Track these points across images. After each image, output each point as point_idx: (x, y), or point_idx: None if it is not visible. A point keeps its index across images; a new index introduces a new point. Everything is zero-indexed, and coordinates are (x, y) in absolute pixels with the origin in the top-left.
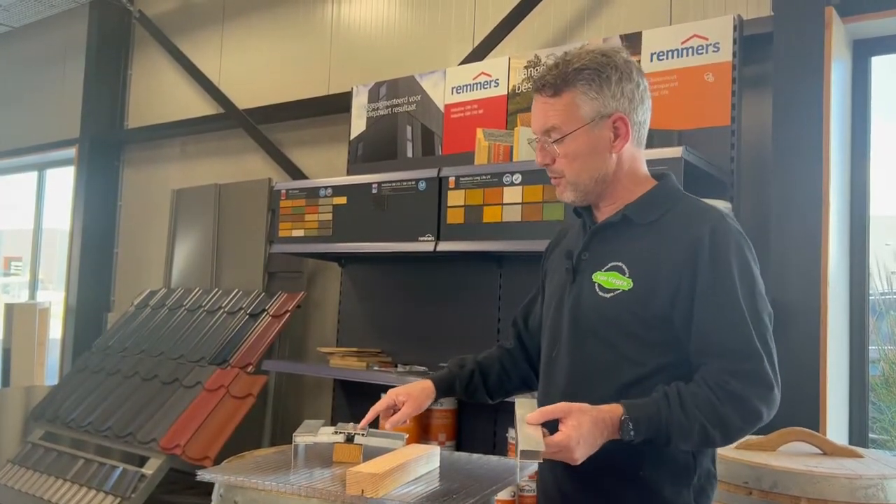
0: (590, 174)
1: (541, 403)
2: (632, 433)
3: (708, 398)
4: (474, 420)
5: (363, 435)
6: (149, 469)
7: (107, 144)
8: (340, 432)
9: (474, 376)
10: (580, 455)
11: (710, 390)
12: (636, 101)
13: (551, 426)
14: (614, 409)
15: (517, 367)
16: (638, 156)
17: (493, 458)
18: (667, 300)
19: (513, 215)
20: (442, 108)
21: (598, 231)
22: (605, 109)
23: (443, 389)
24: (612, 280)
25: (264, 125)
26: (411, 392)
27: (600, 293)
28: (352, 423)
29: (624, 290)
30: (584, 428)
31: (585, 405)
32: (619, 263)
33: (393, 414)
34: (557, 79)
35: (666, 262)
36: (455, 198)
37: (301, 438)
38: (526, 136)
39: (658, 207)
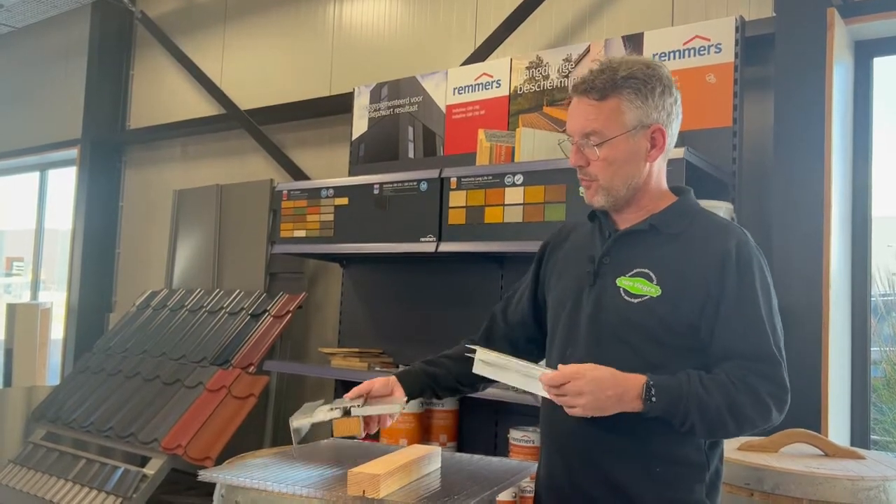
0: (623, 180)
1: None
2: (653, 399)
3: (725, 385)
4: (475, 421)
5: (359, 406)
6: (150, 469)
7: (108, 145)
8: (336, 408)
9: (425, 375)
10: (584, 389)
11: (729, 379)
12: (673, 115)
13: None
14: (637, 376)
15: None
16: (664, 169)
17: (495, 460)
18: (696, 308)
19: (514, 216)
20: (443, 108)
21: (621, 237)
22: (646, 119)
23: (405, 381)
24: (638, 286)
25: (266, 126)
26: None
27: (626, 298)
28: (347, 398)
29: (652, 297)
30: (598, 371)
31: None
32: (646, 270)
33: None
34: (606, 84)
35: (694, 272)
36: (457, 198)
37: (297, 422)
38: (528, 136)
39: (682, 220)
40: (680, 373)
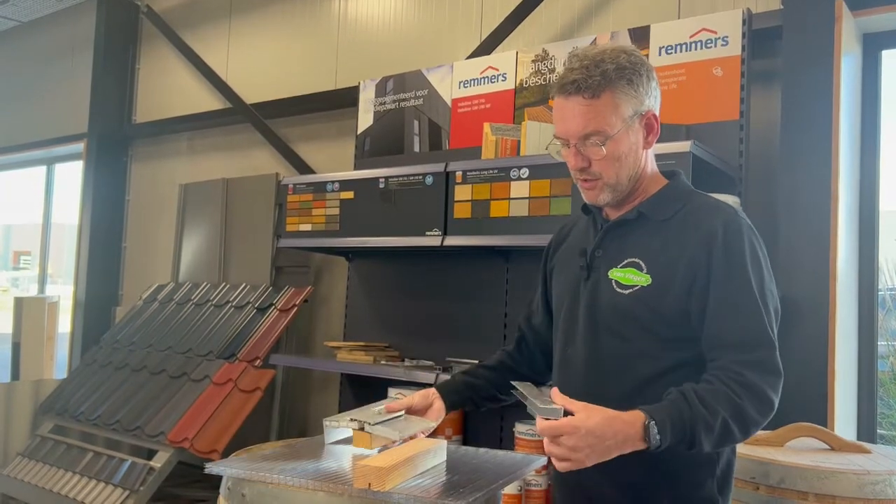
0: (628, 174)
1: None
2: (657, 437)
3: (725, 393)
4: (481, 415)
5: (376, 423)
6: (157, 462)
7: (115, 139)
8: (355, 420)
9: (465, 386)
10: (580, 444)
11: (726, 385)
12: (659, 97)
13: None
14: (634, 414)
15: (515, 373)
16: (652, 154)
17: (500, 453)
18: (684, 294)
19: (520, 210)
20: (449, 102)
21: (611, 228)
22: (640, 107)
23: (445, 393)
24: (629, 276)
25: (271, 120)
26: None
27: (618, 289)
28: (384, 409)
29: (643, 286)
30: (592, 420)
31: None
32: (636, 260)
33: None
34: (601, 79)
35: (682, 257)
36: (462, 192)
37: (329, 423)
38: (534, 130)
39: (672, 204)
40: (672, 394)
